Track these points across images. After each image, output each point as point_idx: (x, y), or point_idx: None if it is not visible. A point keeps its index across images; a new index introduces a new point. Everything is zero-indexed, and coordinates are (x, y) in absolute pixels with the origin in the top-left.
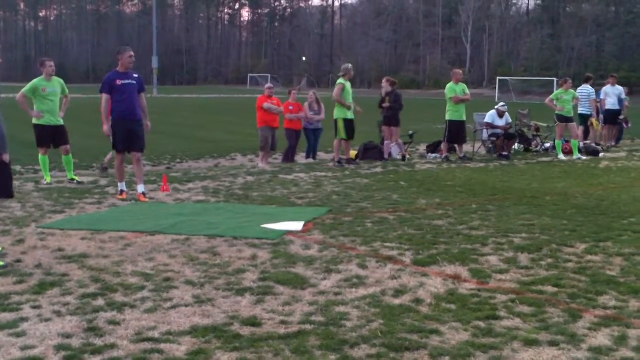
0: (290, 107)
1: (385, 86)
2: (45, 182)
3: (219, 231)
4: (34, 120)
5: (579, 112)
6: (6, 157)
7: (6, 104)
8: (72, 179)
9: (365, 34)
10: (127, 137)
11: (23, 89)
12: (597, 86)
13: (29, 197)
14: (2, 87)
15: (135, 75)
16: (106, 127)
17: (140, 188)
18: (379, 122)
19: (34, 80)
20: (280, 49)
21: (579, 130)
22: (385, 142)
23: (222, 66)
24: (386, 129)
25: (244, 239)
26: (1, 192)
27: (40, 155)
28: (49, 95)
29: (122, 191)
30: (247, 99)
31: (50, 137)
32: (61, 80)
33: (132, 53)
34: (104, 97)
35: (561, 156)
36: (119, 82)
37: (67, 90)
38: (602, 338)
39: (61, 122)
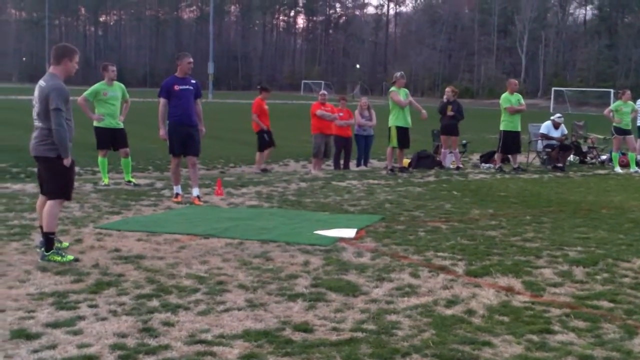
0: (340, 114)
1: (449, 95)
2: (103, 184)
3: (272, 236)
4: (95, 124)
5: (638, 124)
6: (67, 162)
7: (70, 107)
8: (130, 182)
9: (420, 42)
10: (183, 141)
11: (85, 93)
12: None
13: (87, 198)
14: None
15: (193, 81)
16: (162, 132)
17: (195, 192)
18: (434, 131)
19: (96, 85)
20: (335, 57)
21: (638, 144)
22: (443, 151)
23: (276, 72)
24: (445, 138)
25: (296, 244)
26: (59, 194)
27: (99, 158)
28: (110, 100)
29: (177, 194)
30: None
31: (110, 140)
32: (122, 85)
33: (191, 60)
34: (162, 101)
35: (618, 169)
36: (177, 87)
37: (127, 95)
38: None
39: (121, 125)
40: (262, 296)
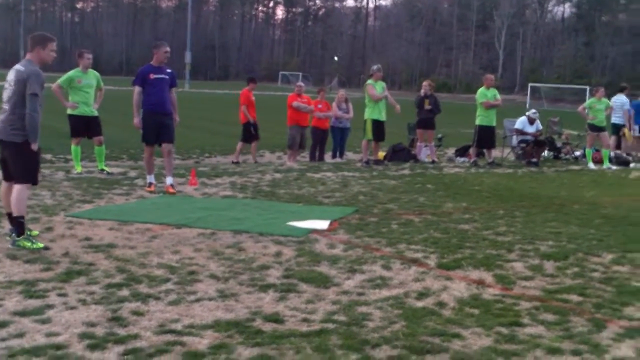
0: (319, 106)
1: (426, 88)
2: (76, 172)
3: (245, 227)
4: (69, 111)
5: (612, 121)
6: (35, 147)
7: (43, 94)
8: (103, 170)
9: (398, 36)
10: (157, 130)
11: (59, 80)
12: (634, 96)
13: (59, 186)
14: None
15: (169, 70)
16: (137, 120)
17: (169, 180)
18: (409, 124)
19: (71, 72)
20: (313, 49)
21: (611, 140)
22: (419, 144)
23: (254, 63)
24: (422, 132)
25: (269, 235)
26: (28, 178)
27: (72, 146)
28: (84, 87)
29: (150, 183)
30: (278, 97)
31: (84, 128)
32: (97, 73)
33: (168, 49)
34: (137, 89)
35: (591, 165)
36: (152, 76)
37: (102, 84)
38: (626, 349)
39: (96, 113)
40: (234, 286)
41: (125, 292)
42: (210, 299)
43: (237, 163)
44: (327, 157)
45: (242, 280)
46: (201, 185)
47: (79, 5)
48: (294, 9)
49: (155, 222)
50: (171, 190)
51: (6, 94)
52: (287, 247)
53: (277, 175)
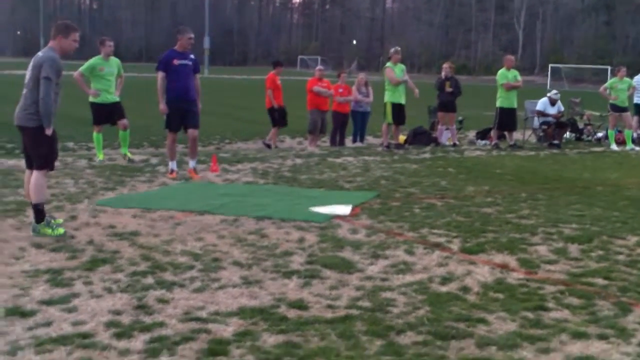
0: (340, 90)
1: (447, 71)
2: (98, 160)
3: (267, 213)
4: (91, 99)
5: (635, 102)
6: (49, 131)
7: (63, 82)
8: (125, 155)
9: (417, 18)
10: (181, 117)
11: (81, 68)
12: None
13: (82, 174)
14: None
15: (192, 56)
16: (163, 106)
17: (192, 164)
18: (430, 107)
19: (92, 60)
20: (331, 32)
21: (634, 120)
22: (440, 127)
23: (272, 48)
24: (443, 114)
25: (292, 221)
26: (43, 163)
27: (95, 134)
28: (106, 75)
29: (172, 170)
30: (297, 81)
31: (107, 115)
32: (118, 61)
33: (192, 35)
34: (160, 75)
35: (614, 146)
36: (176, 62)
37: (122, 71)
38: None
39: (117, 98)
40: (257, 273)
41: (150, 280)
42: (234, 286)
43: (268, 145)
44: (348, 141)
45: (266, 266)
46: (222, 171)
47: None
48: None
49: (178, 209)
50: (194, 174)
51: (25, 80)
52: (309, 232)
53: (298, 161)
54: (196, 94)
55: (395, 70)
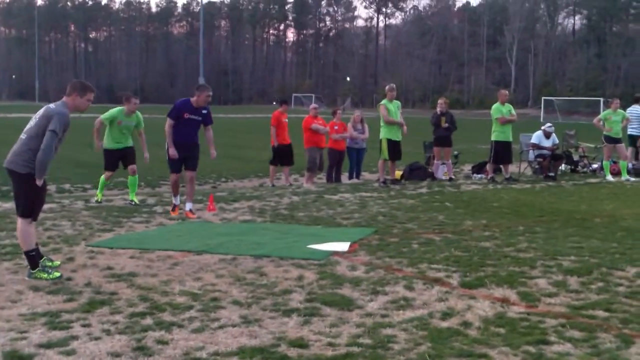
0: (336, 127)
1: (442, 106)
2: (95, 200)
3: (265, 251)
4: (105, 145)
5: (628, 133)
6: (39, 182)
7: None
8: (132, 201)
9: (410, 54)
10: (183, 159)
11: (102, 117)
12: None
13: (78, 216)
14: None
15: (204, 111)
16: (172, 151)
17: (189, 206)
18: (425, 142)
19: (115, 111)
20: (325, 70)
21: (628, 151)
22: (436, 162)
23: (266, 86)
24: (439, 149)
25: (290, 259)
26: (27, 212)
27: (103, 177)
28: (122, 129)
29: (175, 206)
30: (292, 119)
31: (119, 159)
32: (140, 116)
33: (210, 93)
34: (169, 122)
35: (609, 177)
36: (186, 115)
37: (142, 125)
38: None
39: (131, 143)
40: (257, 312)
41: (148, 321)
42: (233, 326)
43: (273, 186)
44: (344, 177)
45: (265, 305)
46: (220, 210)
47: (92, 35)
48: (304, 31)
49: (175, 249)
50: (191, 215)
51: (27, 126)
52: (308, 270)
53: (295, 198)
54: (209, 143)
55: (390, 107)
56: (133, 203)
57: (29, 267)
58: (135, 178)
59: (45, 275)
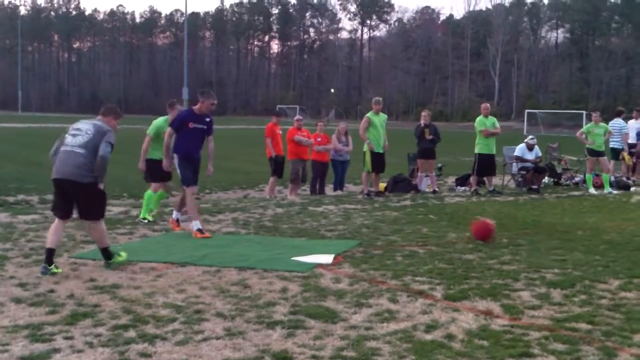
0: (319, 139)
1: (426, 119)
2: (141, 219)
3: (249, 263)
4: (150, 155)
5: (610, 146)
6: (102, 186)
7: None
8: (145, 218)
9: (394, 66)
10: (194, 172)
11: (149, 131)
12: (629, 120)
13: None
14: (46, 118)
15: (208, 119)
16: (167, 163)
17: (176, 215)
18: (410, 154)
19: (159, 121)
20: (309, 81)
21: (611, 165)
22: (420, 174)
23: (250, 97)
24: (423, 162)
25: (274, 271)
26: (99, 214)
27: (150, 191)
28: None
29: (200, 230)
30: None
31: (161, 170)
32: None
33: (215, 101)
34: (169, 131)
35: (592, 190)
36: (191, 125)
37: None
38: None
39: None
40: (241, 324)
41: (132, 334)
42: (217, 338)
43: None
44: (329, 189)
45: (249, 317)
46: (203, 222)
47: (75, 45)
48: (289, 43)
49: (159, 261)
50: (176, 225)
51: (78, 140)
52: (292, 282)
53: (279, 210)
54: (209, 156)
55: (374, 120)
56: (140, 219)
57: (105, 260)
58: (161, 195)
59: (120, 258)
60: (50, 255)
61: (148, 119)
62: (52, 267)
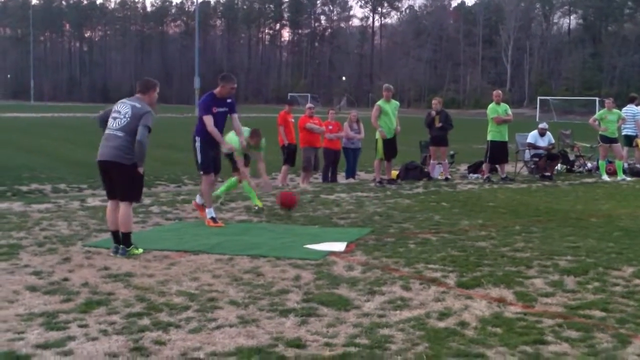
0: (330, 127)
1: (436, 106)
2: (256, 207)
3: (262, 251)
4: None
5: (623, 133)
6: (141, 170)
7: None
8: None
9: (405, 53)
10: (214, 159)
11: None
12: None
13: (74, 216)
14: (55, 108)
15: (229, 100)
16: (228, 146)
17: (200, 200)
18: (422, 142)
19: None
20: (320, 69)
21: (624, 151)
22: (432, 162)
23: (262, 86)
24: (434, 149)
25: (287, 259)
26: (134, 196)
27: (234, 179)
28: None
29: (214, 219)
30: None
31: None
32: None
33: (235, 85)
34: (209, 118)
35: (605, 177)
36: (215, 109)
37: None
38: None
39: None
40: (254, 312)
41: (146, 321)
42: (231, 326)
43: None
44: (340, 177)
45: (262, 305)
46: (216, 210)
47: (87, 35)
48: (300, 31)
49: (172, 249)
50: (202, 210)
51: (118, 123)
52: (305, 270)
53: None
54: (237, 133)
55: (385, 108)
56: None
57: (122, 246)
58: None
59: (137, 251)
60: (126, 238)
61: (159, 108)
62: (130, 248)
